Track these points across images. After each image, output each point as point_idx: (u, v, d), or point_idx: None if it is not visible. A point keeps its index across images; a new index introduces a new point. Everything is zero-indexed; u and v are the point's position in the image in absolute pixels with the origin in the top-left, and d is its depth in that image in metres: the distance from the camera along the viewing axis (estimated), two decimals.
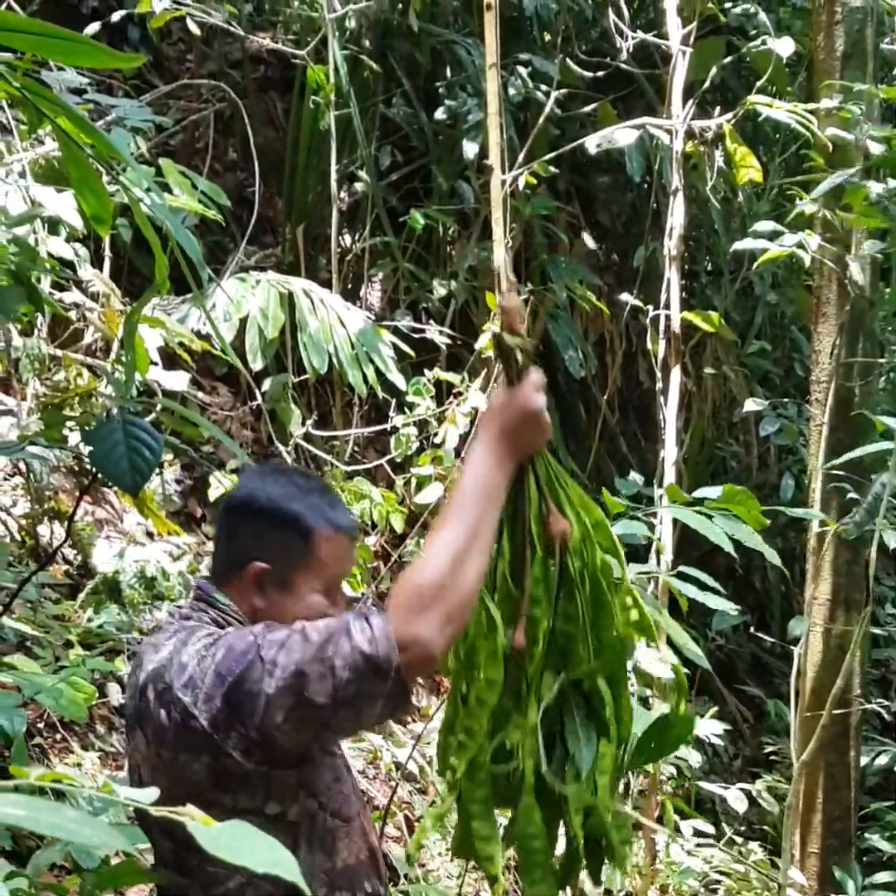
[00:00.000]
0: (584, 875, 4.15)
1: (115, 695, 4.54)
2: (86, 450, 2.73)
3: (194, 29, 6.02)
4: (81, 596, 4.91)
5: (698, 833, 4.76)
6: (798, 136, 5.58)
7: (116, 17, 6.01)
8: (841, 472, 4.59)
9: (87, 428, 2.81)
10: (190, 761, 2.01)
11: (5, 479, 5.26)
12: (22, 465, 4.98)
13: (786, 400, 6.34)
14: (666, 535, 4.72)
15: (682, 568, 3.41)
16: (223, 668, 1.98)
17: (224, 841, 0.91)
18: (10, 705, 3.02)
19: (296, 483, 2.25)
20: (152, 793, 0.96)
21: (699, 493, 3.03)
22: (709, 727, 4.56)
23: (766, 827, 5.53)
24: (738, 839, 4.85)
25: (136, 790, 0.98)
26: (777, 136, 7.68)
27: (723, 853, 4.59)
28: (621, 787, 4.98)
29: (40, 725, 4.15)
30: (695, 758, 4.60)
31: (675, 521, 4.85)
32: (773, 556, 2.97)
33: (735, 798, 4.59)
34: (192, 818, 0.93)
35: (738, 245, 4.72)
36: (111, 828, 0.87)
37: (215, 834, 0.91)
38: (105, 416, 2.80)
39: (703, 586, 3.16)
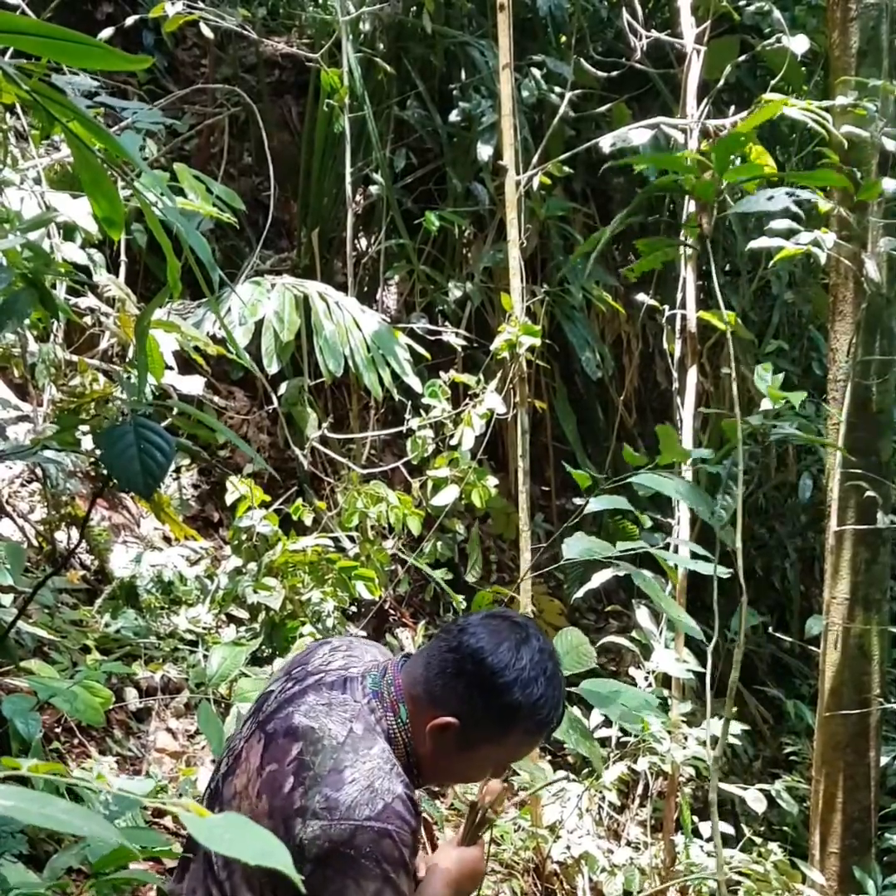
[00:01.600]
0: (602, 875, 4.15)
1: (132, 699, 4.55)
2: (98, 453, 2.73)
3: (208, 33, 6.03)
4: (99, 601, 4.92)
5: None
6: (814, 135, 5.55)
7: (130, 21, 6.03)
8: (859, 471, 4.56)
9: (99, 431, 2.81)
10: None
11: (23, 486, 5.27)
12: (39, 471, 4.99)
13: (804, 399, 6.30)
14: (683, 532, 4.70)
15: (692, 546, 3.41)
16: None
17: (218, 833, 0.91)
18: (26, 708, 3.03)
19: (536, 660, 2.32)
20: (146, 785, 0.96)
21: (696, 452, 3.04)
22: (728, 728, 4.53)
23: (785, 827, 5.51)
24: (758, 840, 4.82)
25: (130, 781, 0.98)
26: (793, 135, 7.65)
27: (742, 854, 4.56)
28: (640, 789, 4.98)
29: (58, 730, 4.15)
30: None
31: (693, 521, 4.84)
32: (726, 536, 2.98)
33: (754, 799, 4.56)
34: (187, 809, 0.92)
35: (754, 244, 4.69)
36: (102, 819, 0.87)
37: (209, 825, 0.91)
38: (118, 420, 2.80)
39: (697, 556, 3.16)
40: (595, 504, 3.11)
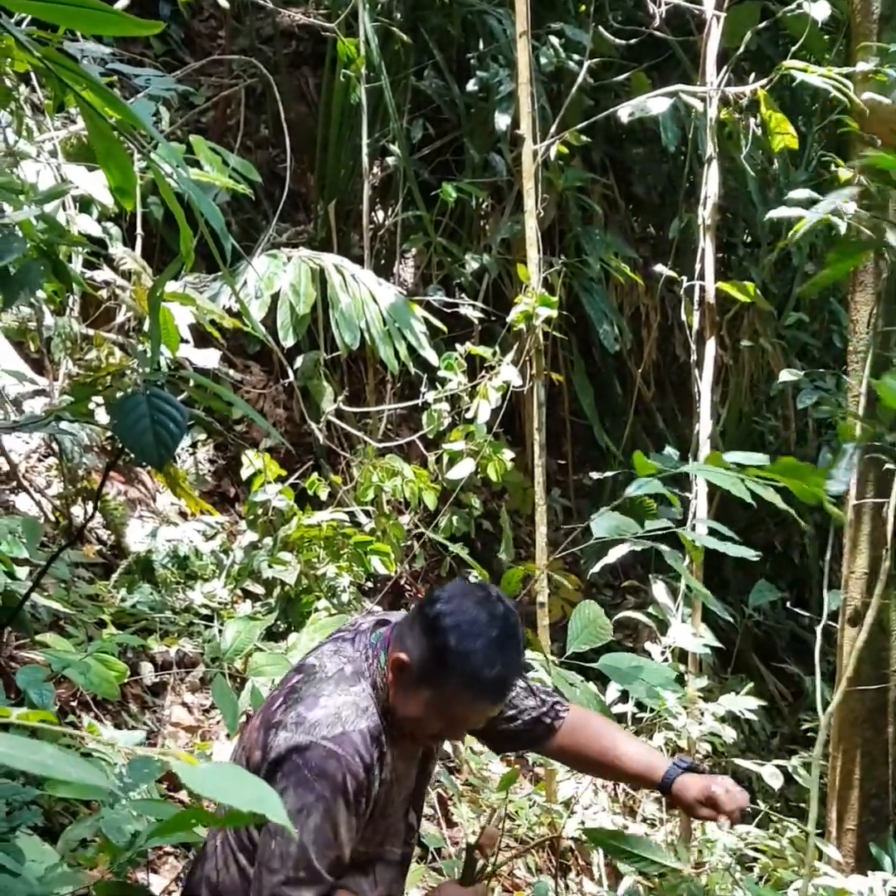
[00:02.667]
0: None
1: (148, 673, 4.55)
2: (111, 423, 2.71)
3: (225, 4, 6.00)
4: (115, 576, 4.92)
5: None
6: (837, 103, 5.49)
7: None
8: (879, 444, 4.52)
9: (112, 402, 2.79)
10: None
11: (39, 460, 5.27)
12: (55, 446, 4.99)
13: (823, 371, 6.26)
14: (701, 508, 4.67)
15: (711, 523, 3.38)
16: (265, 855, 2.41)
17: (209, 781, 0.91)
18: (40, 679, 3.03)
19: (485, 619, 2.40)
20: (138, 735, 0.96)
21: (733, 457, 3.01)
22: (744, 704, 4.52)
23: (802, 804, 5.49)
24: (774, 816, 4.81)
25: (127, 733, 0.98)
26: (815, 104, 7.57)
27: (758, 830, 4.55)
28: None
29: (73, 704, 4.15)
30: (730, 734, 4.56)
31: (710, 497, 4.81)
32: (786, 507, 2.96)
33: (771, 775, 4.54)
34: (178, 758, 0.92)
35: (773, 213, 4.64)
36: (89, 765, 0.86)
37: (200, 774, 0.91)
38: (131, 391, 2.78)
39: (722, 537, 3.13)
40: (634, 488, 3.10)
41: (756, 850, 4.49)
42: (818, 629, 4.07)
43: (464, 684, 2.38)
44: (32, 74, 4.45)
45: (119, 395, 2.82)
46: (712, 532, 3.43)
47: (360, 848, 2.51)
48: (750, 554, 3.11)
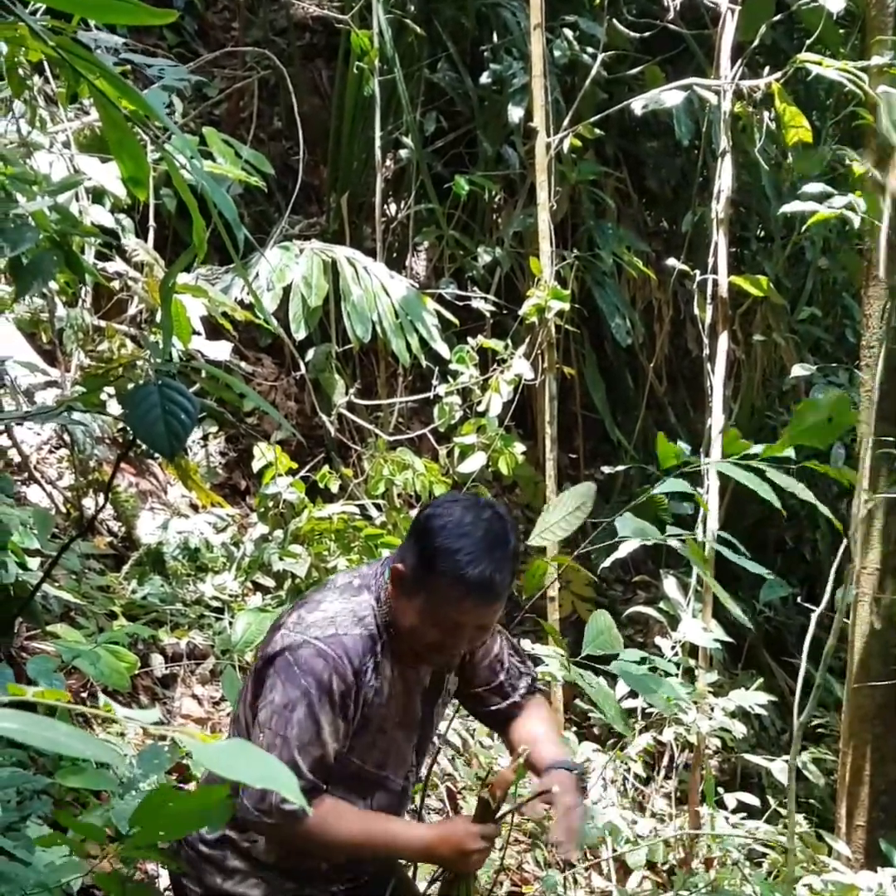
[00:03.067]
0: (626, 846, 4.14)
1: (158, 665, 4.56)
2: (122, 414, 2.72)
3: None
4: (126, 567, 4.93)
5: (742, 806, 4.73)
6: (851, 96, 5.47)
7: None
8: (891, 439, 4.51)
9: (124, 393, 2.80)
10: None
11: (51, 452, 5.27)
12: (67, 438, 4.99)
13: (836, 366, 6.25)
14: (712, 503, 4.66)
15: (721, 534, 3.37)
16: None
17: (222, 758, 0.91)
18: (50, 669, 3.04)
19: (470, 520, 2.45)
20: (153, 714, 0.97)
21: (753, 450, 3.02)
22: (754, 699, 4.52)
23: (812, 800, 5.49)
24: (784, 812, 4.81)
25: (138, 712, 0.99)
26: (830, 98, 7.55)
27: (767, 826, 4.55)
28: (666, 760, 4.97)
29: (84, 695, 4.16)
30: (739, 730, 4.55)
31: (722, 492, 4.81)
32: (806, 494, 2.96)
33: (780, 770, 4.54)
34: (191, 737, 0.93)
35: (787, 208, 4.64)
36: (102, 743, 0.87)
37: (214, 752, 0.92)
38: (143, 382, 2.78)
39: (739, 552, 3.13)
40: (661, 488, 3.10)
41: (765, 845, 4.49)
42: (812, 617, 4.05)
43: (450, 583, 2.40)
44: (46, 65, 4.45)
45: (131, 386, 2.82)
46: (722, 540, 3.43)
47: (356, 762, 2.55)
48: (763, 570, 3.12)
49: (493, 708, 2.83)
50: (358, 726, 2.52)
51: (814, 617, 4.11)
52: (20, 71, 3.61)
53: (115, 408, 3.89)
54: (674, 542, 3.04)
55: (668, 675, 3.56)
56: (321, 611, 2.53)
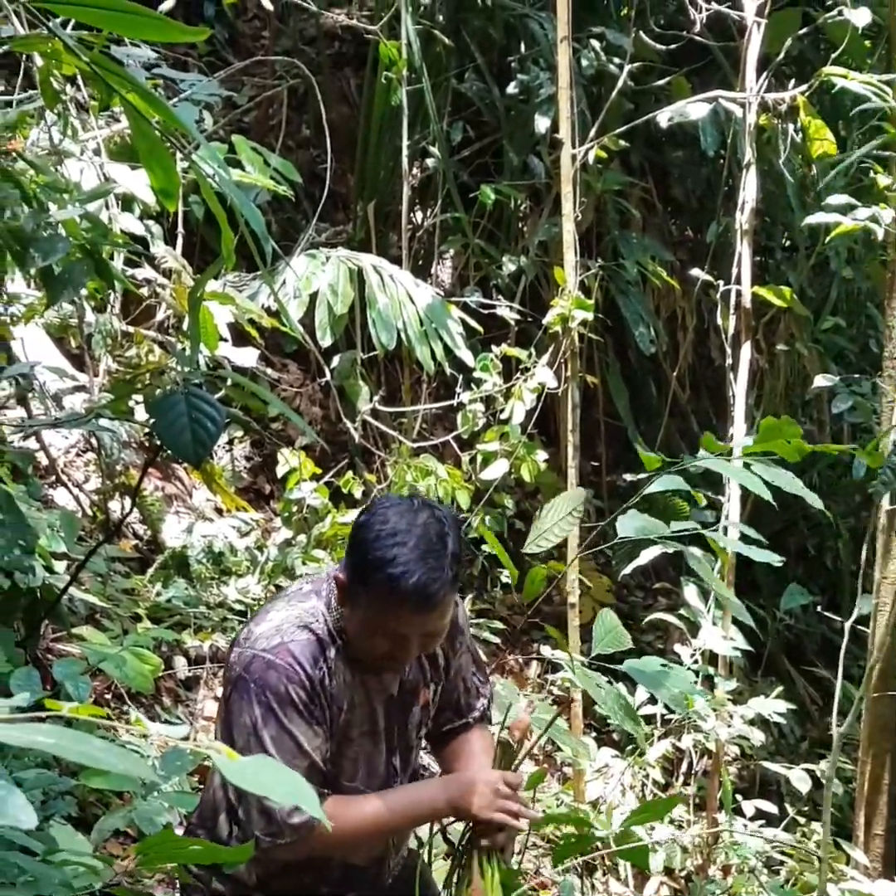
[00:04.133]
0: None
1: (182, 667, 4.61)
2: (149, 421, 2.77)
3: (269, 5, 6.05)
4: (150, 570, 4.98)
5: (761, 814, 4.75)
6: (876, 109, 5.49)
7: None
8: None
9: (151, 400, 2.85)
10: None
11: (78, 455, 5.34)
12: (94, 441, 5.05)
13: (859, 376, 6.24)
14: (733, 511, 4.69)
15: (734, 524, 3.38)
16: None
17: (249, 774, 0.95)
18: (76, 672, 3.08)
19: (403, 525, 2.36)
20: (183, 729, 1.01)
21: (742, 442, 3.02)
22: (774, 707, 4.54)
23: (831, 808, 5.49)
24: (802, 820, 4.83)
25: (167, 727, 1.02)
26: (855, 110, 7.54)
27: (785, 834, 4.56)
28: (685, 767, 4.98)
29: (108, 696, 4.21)
30: (758, 737, 4.57)
31: (743, 499, 4.83)
32: (814, 500, 2.97)
33: (798, 778, 4.56)
34: (219, 752, 0.96)
35: (811, 219, 4.66)
36: (136, 757, 0.91)
37: (240, 767, 0.95)
38: (170, 390, 2.83)
39: (750, 541, 3.13)
40: (657, 485, 3.10)
41: (783, 852, 4.50)
42: (846, 626, 4.07)
43: (386, 594, 2.33)
44: (77, 73, 4.51)
45: (158, 393, 2.87)
46: (741, 536, 3.44)
47: (328, 771, 2.49)
48: (774, 559, 3.11)
49: (443, 725, 2.78)
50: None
51: (847, 627, 4.12)
52: (54, 83, 3.66)
53: (142, 414, 3.95)
54: (684, 547, 3.05)
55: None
56: (268, 620, 2.49)
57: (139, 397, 3.64)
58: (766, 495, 2.91)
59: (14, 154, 3.74)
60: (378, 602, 2.36)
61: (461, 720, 2.77)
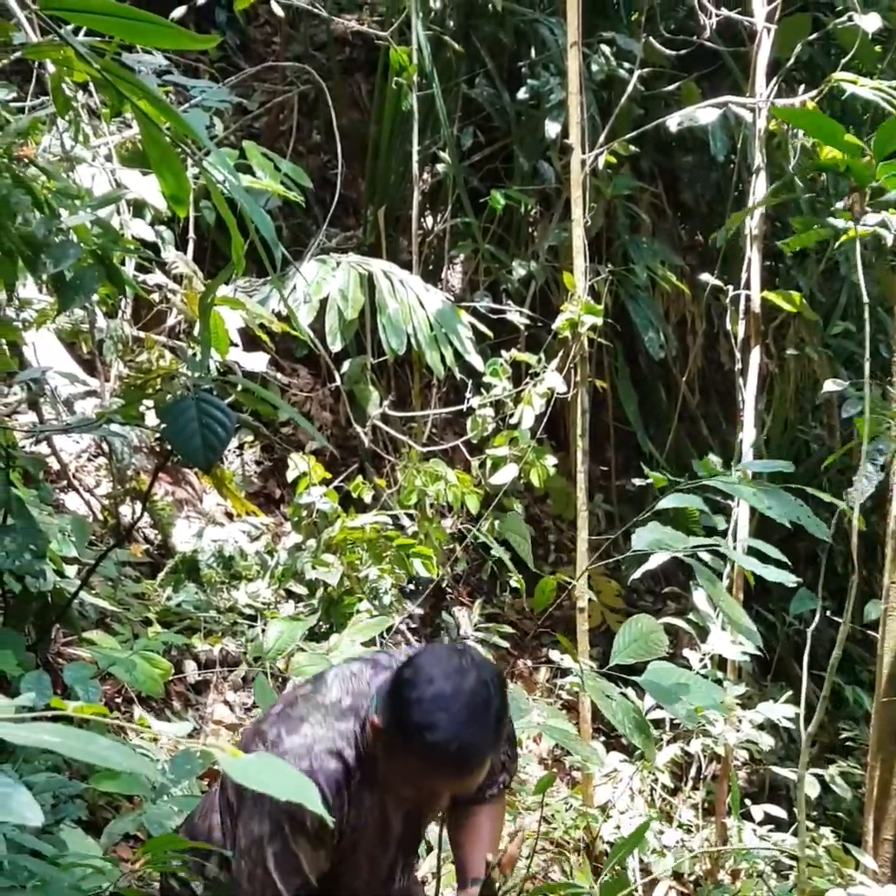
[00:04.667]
0: (652, 856, 4.16)
1: (191, 671, 4.62)
2: (160, 426, 2.78)
3: (280, 12, 6.07)
4: (161, 575, 4.99)
5: (770, 818, 4.75)
6: (887, 114, 5.49)
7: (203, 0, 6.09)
8: None
9: (162, 406, 2.87)
10: None
11: (89, 460, 5.35)
12: (105, 446, 5.07)
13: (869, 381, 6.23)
14: (743, 518, 4.69)
15: (748, 541, 3.39)
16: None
17: (252, 772, 0.96)
18: (87, 676, 3.10)
19: (450, 691, 2.29)
20: (186, 727, 1.02)
21: (757, 466, 3.03)
22: (783, 712, 4.54)
23: (839, 813, 5.49)
24: (811, 825, 4.83)
25: (171, 725, 1.03)
26: (866, 115, 7.55)
27: (794, 838, 4.56)
28: (694, 771, 4.99)
29: (118, 700, 4.23)
30: (767, 742, 4.57)
31: (752, 507, 4.82)
32: (817, 529, 2.98)
33: (808, 783, 4.56)
34: (222, 750, 0.97)
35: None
36: (142, 757, 0.92)
37: (244, 766, 0.96)
38: (181, 395, 2.85)
39: (765, 558, 3.13)
40: (670, 501, 3.11)
41: (791, 857, 4.50)
42: (842, 623, 4.07)
43: (425, 757, 2.29)
44: (89, 80, 4.53)
45: (169, 398, 2.89)
46: (754, 549, 3.44)
47: (334, 876, 2.50)
48: (789, 578, 3.11)
49: (461, 801, 2.73)
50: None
51: (842, 631, 4.12)
52: (66, 90, 3.68)
53: (153, 419, 3.96)
54: (694, 561, 3.06)
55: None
56: (301, 735, 2.42)
57: (150, 402, 3.65)
58: (780, 519, 2.92)
59: (26, 160, 3.76)
60: (416, 762, 2.32)
61: (479, 794, 2.70)
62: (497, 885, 2.48)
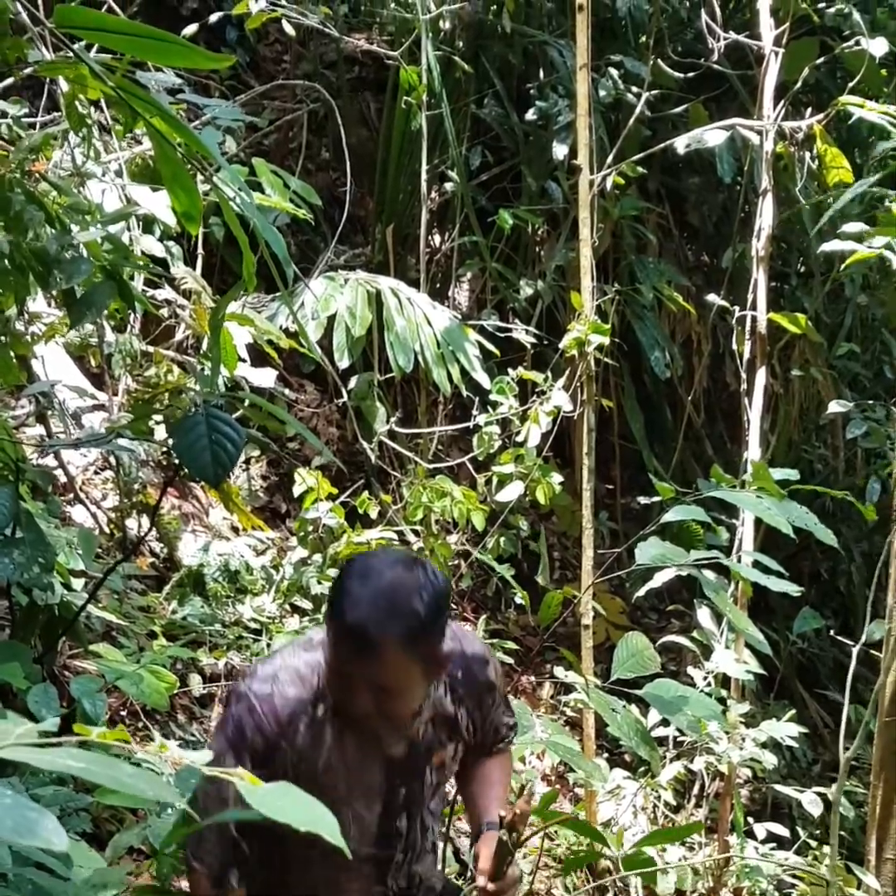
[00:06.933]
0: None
1: (197, 684, 4.64)
2: (170, 442, 2.81)
3: (290, 30, 6.10)
4: (167, 588, 5.01)
5: (772, 837, 4.76)
6: (892, 138, 5.52)
7: (214, 18, 6.13)
8: None
9: (172, 421, 2.90)
10: None
11: (96, 473, 5.38)
12: (112, 460, 5.09)
13: (873, 402, 6.26)
14: (747, 535, 4.71)
15: (750, 553, 3.40)
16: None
17: (270, 800, 0.97)
18: (93, 690, 3.12)
19: (381, 577, 2.27)
20: (206, 755, 1.03)
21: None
22: (786, 730, 4.54)
23: (842, 832, 5.49)
24: (813, 843, 4.83)
25: (189, 752, 1.04)
26: (871, 137, 7.58)
27: (797, 857, 4.57)
28: (696, 789, 4.99)
29: (123, 713, 4.24)
30: (770, 760, 4.58)
31: (757, 523, 4.84)
32: (826, 536, 3.00)
33: (810, 802, 4.57)
34: (241, 779, 0.99)
35: (826, 247, 4.69)
36: (165, 784, 0.94)
37: (262, 794, 0.97)
38: (191, 411, 2.87)
39: (768, 570, 3.15)
40: (672, 515, 3.13)
41: (794, 876, 4.51)
42: (853, 651, 4.08)
43: (346, 644, 2.26)
44: (101, 98, 4.57)
45: (179, 414, 2.91)
46: (757, 563, 3.46)
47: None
48: (792, 589, 3.13)
49: (467, 756, 2.70)
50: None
51: (855, 652, 4.13)
52: (79, 107, 3.72)
53: (161, 434, 3.99)
54: (698, 573, 3.08)
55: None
56: (272, 664, 2.47)
57: (159, 417, 3.68)
58: (786, 528, 2.94)
59: (37, 175, 3.79)
60: (344, 651, 2.28)
61: (485, 751, 2.73)
62: (512, 841, 2.39)
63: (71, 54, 2.30)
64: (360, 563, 2.31)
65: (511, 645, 5.91)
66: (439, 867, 2.84)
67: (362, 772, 2.48)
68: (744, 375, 5.02)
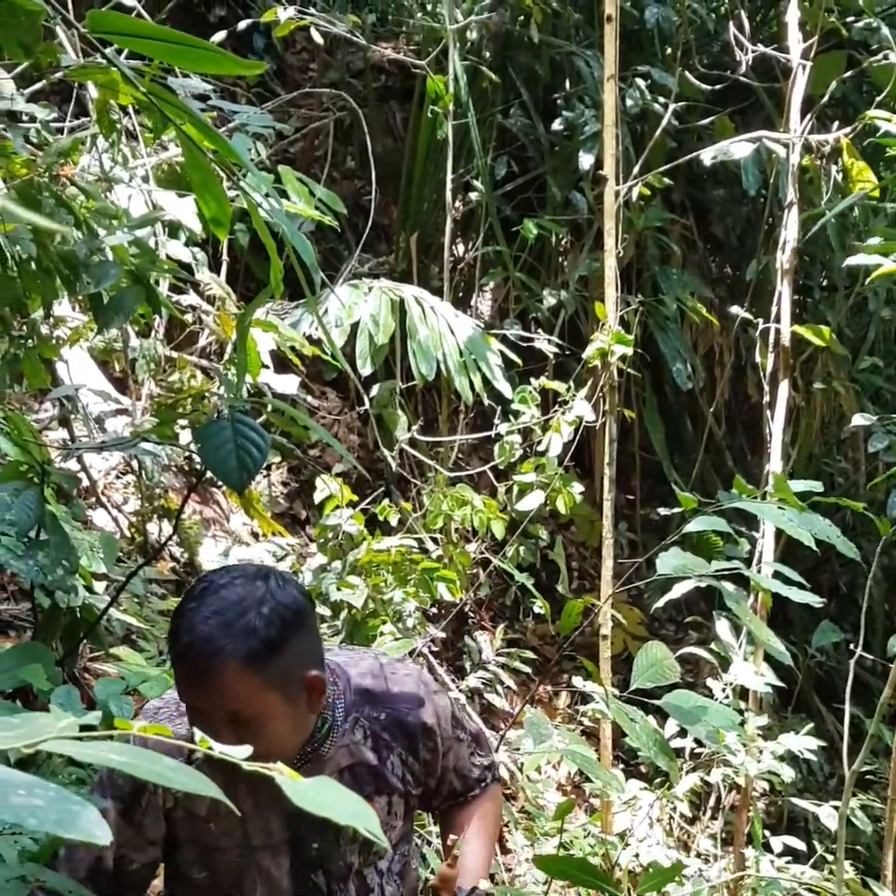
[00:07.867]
0: (669, 886, 4.16)
1: None
2: (195, 447, 2.82)
3: (318, 38, 6.13)
4: None
5: (789, 850, 4.75)
6: None
7: (243, 25, 6.16)
8: None
9: (197, 426, 2.90)
10: None
11: (118, 477, 5.40)
12: (134, 464, 5.12)
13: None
14: (767, 548, 4.70)
15: (771, 564, 3.40)
16: None
17: (310, 794, 0.98)
18: (118, 691, 3.12)
19: (213, 588, 2.09)
20: (246, 750, 1.04)
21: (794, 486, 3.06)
22: (803, 743, 4.54)
23: (859, 847, 5.48)
24: (830, 857, 4.82)
25: (230, 747, 1.05)
26: None
27: (813, 871, 4.56)
28: (713, 801, 4.99)
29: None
30: (788, 773, 4.57)
31: (777, 535, 4.84)
32: (848, 549, 2.99)
33: (827, 816, 4.56)
34: (281, 772, 0.99)
35: (850, 261, 4.68)
36: (205, 777, 0.95)
37: (302, 788, 0.98)
38: (215, 416, 2.88)
39: (789, 582, 3.15)
40: (696, 524, 3.13)
41: (810, 890, 4.49)
42: (851, 663, 4.07)
43: (175, 667, 2.08)
44: (131, 103, 4.60)
45: (204, 419, 2.92)
46: (777, 574, 3.46)
47: (195, 878, 2.28)
48: (814, 599, 3.12)
49: (441, 806, 2.56)
50: (170, 840, 2.25)
51: (853, 662, 4.12)
52: (110, 113, 3.74)
53: (185, 439, 4.00)
54: (719, 584, 3.08)
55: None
56: (162, 699, 2.32)
57: (183, 421, 3.70)
58: (807, 540, 2.94)
59: (65, 180, 3.82)
60: (174, 673, 2.10)
61: (460, 799, 2.55)
62: None
63: (101, 59, 2.31)
64: (201, 582, 2.11)
65: (529, 654, 5.92)
66: None
67: (260, 821, 2.25)
68: (766, 388, 5.02)
